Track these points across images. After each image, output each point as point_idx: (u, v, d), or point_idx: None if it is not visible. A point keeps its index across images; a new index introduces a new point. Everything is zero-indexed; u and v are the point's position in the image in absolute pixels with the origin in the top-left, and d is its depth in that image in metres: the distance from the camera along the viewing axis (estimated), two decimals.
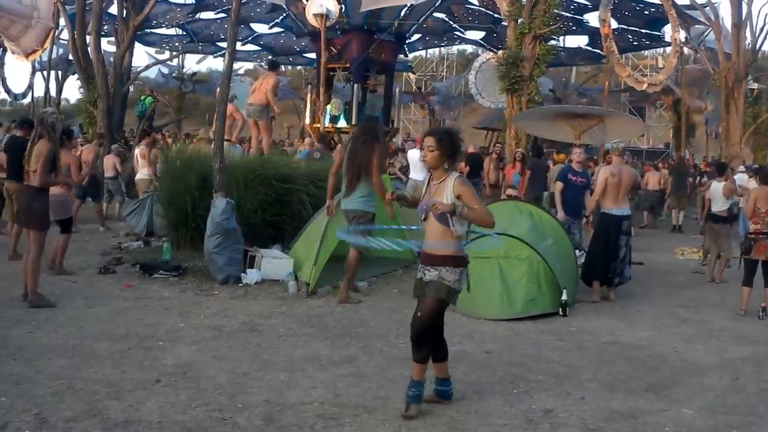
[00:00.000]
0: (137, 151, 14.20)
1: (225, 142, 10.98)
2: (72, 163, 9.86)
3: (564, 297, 8.42)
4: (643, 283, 10.67)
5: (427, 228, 5.08)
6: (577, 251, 10.10)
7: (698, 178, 22.17)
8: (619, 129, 16.58)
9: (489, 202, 11.83)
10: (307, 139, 17.30)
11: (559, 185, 10.96)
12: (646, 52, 42.96)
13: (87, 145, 14.11)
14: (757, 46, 31.21)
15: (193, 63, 72.08)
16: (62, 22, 23.14)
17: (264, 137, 13.65)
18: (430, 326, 5.11)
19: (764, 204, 9.07)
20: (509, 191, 11.56)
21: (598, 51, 30.35)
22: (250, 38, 36.87)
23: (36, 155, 7.67)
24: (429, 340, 5.14)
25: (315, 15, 21.90)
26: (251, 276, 9.22)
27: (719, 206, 11.58)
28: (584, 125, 15.64)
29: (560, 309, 8.41)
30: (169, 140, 20.33)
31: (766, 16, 50.45)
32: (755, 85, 33.33)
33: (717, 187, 11.67)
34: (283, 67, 45.35)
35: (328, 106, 23.83)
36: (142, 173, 14.01)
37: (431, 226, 5.02)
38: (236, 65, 38.02)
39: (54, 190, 9.00)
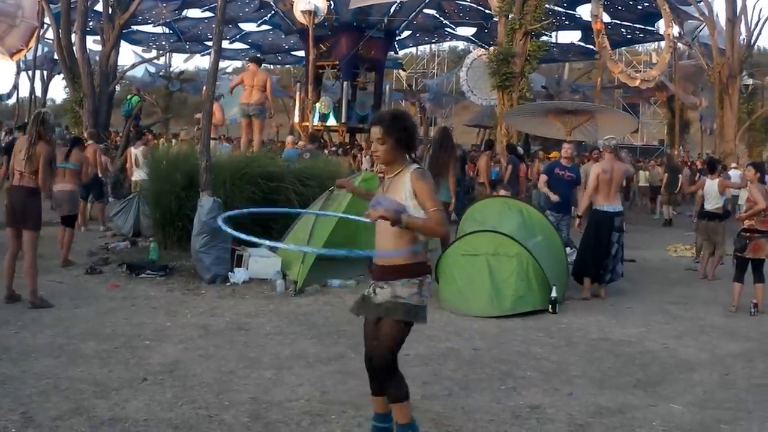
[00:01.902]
0: (138, 151, 14.09)
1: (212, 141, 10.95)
2: (84, 162, 10.33)
3: (554, 294, 8.40)
4: (634, 280, 10.66)
5: (378, 231, 4.07)
6: (567, 248, 10.07)
7: (697, 174, 22.29)
8: (611, 125, 16.59)
9: (479, 199, 11.84)
10: (289, 137, 17.17)
11: (543, 178, 10.99)
12: (640, 47, 43.06)
13: (90, 144, 13.95)
14: (752, 42, 31.23)
15: (180, 62, 72.07)
16: (47, 20, 23.02)
17: (256, 136, 13.59)
18: (392, 359, 4.12)
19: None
20: (502, 192, 11.52)
21: (591, 47, 30.41)
22: (238, 36, 36.89)
23: (37, 157, 7.65)
24: (390, 375, 4.16)
25: (303, 12, 21.86)
26: (239, 275, 9.19)
27: (713, 204, 11.54)
28: (575, 121, 15.66)
29: (550, 306, 8.38)
30: (157, 142, 20.16)
31: (760, 11, 50.51)
32: (750, 81, 33.38)
33: (711, 184, 11.62)
34: (271, 66, 45.38)
35: (317, 104, 23.83)
36: (142, 173, 13.90)
37: (382, 228, 3.99)
38: (224, 63, 38.08)
39: (66, 186, 9.81)
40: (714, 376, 6.32)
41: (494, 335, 7.33)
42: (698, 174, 22.12)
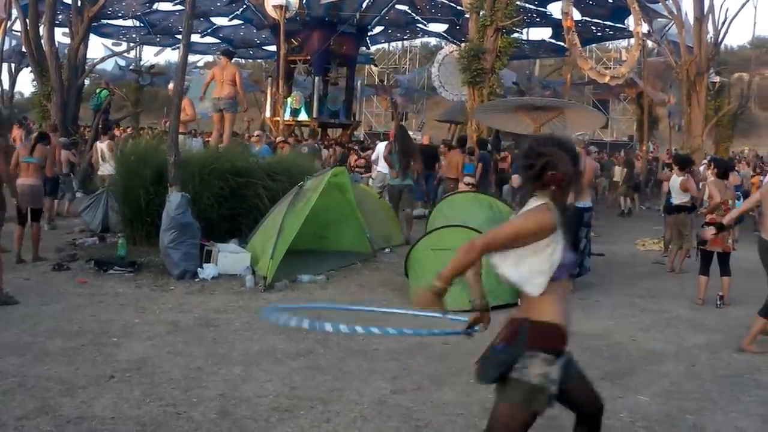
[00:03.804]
0: (104, 145, 13.93)
1: (180, 135, 10.86)
2: (48, 156, 10.36)
3: None
4: (602, 274, 10.73)
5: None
6: None
7: (663, 169, 22.83)
8: (580, 121, 16.65)
9: (450, 194, 11.87)
10: (257, 132, 17.05)
11: (515, 178, 11.02)
12: (610, 45, 43.40)
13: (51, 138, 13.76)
14: (719, 40, 31.59)
15: (150, 55, 71.58)
16: (14, 12, 22.68)
17: (226, 129, 13.48)
18: None
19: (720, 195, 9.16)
20: (467, 179, 11.58)
21: (562, 44, 30.59)
22: (209, 30, 36.63)
23: None
24: None
25: (274, 7, 21.73)
26: (208, 271, 9.11)
27: (679, 198, 11.65)
28: (544, 117, 15.67)
29: (519, 300, 8.38)
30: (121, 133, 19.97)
31: (727, 10, 51.35)
32: (717, 79, 33.76)
33: (675, 180, 11.72)
34: (243, 60, 45.10)
35: (289, 99, 23.73)
36: (108, 168, 13.75)
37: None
38: (195, 57, 37.79)
39: (30, 180, 9.79)
40: (680, 368, 6.40)
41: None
42: (664, 168, 22.67)
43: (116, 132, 17.10)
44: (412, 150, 12.88)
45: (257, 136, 15.80)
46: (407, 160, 12.52)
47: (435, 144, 21.00)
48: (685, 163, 12.21)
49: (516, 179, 11.10)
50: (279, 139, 18.58)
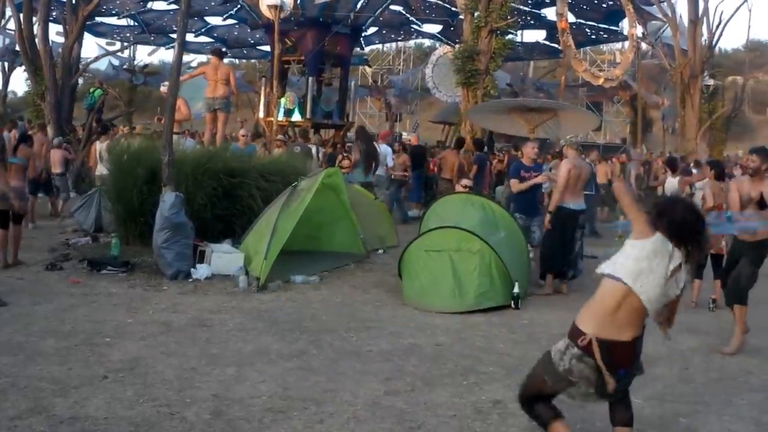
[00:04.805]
0: (103, 146, 13.91)
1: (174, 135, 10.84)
2: (31, 158, 10.18)
3: (516, 290, 8.43)
4: (596, 277, 10.66)
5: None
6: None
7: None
8: (573, 123, 16.70)
9: (443, 195, 11.86)
10: (242, 131, 17.04)
11: (515, 183, 10.53)
12: (605, 47, 43.41)
13: (37, 136, 13.78)
14: (713, 43, 31.69)
15: (144, 55, 71.58)
16: (8, 10, 22.61)
17: (219, 129, 13.50)
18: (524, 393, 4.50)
19: (714, 199, 9.16)
20: (464, 181, 11.53)
21: (556, 46, 30.61)
22: (203, 30, 36.57)
23: None
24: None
25: (269, 6, 21.67)
26: (201, 271, 9.09)
27: None
28: (538, 119, 15.68)
29: (512, 302, 8.42)
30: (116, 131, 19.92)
31: (722, 13, 51.76)
32: (711, 81, 33.83)
33: (672, 182, 11.74)
34: (237, 60, 45.02)
35: (282, 99, 23.68)
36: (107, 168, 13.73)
37: None
38: (189, 57, 37.65)
39: (12, 183, 9.39)
40: (674, 371, 6.41)
41: (457, 331, 7.36)
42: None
43: (115, 130, 17.07)
44: (375, 151, 14.42)
45: (242, 135, 15.84)
46: (370, 161, 13.91)
47: (423, 145, 21.14)
48: (674, 164, 12.26)
49: (514, 184, 10.68)
50: (279, 137, 18.60)
